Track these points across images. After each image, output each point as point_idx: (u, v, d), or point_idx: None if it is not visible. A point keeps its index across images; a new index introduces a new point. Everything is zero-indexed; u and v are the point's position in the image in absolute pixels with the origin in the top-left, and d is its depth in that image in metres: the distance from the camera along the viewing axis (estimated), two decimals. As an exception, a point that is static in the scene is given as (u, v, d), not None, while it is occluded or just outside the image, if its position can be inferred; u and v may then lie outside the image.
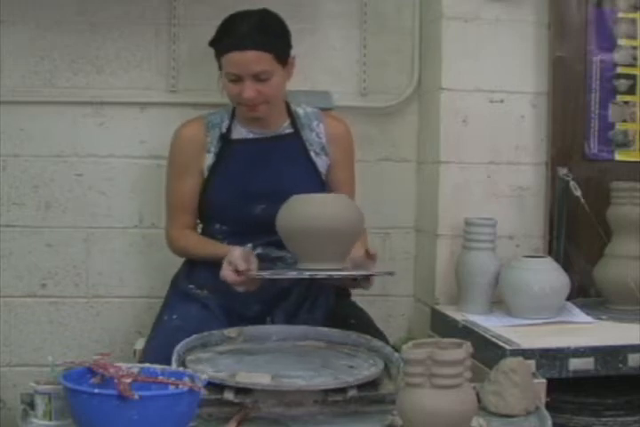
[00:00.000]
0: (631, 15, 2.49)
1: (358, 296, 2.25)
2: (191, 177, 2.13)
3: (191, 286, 2.12)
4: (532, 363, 1.90)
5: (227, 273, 1.89)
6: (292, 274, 1.86)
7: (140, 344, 2.18)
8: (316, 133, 2.16)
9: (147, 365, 1.54)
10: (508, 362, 1.71)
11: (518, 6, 2.45)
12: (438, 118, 2.45)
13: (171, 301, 2.14)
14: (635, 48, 2.49)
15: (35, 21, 2.46)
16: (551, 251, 2.45)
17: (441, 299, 2.46)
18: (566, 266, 2.32)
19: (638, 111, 2.51)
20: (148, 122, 2.52)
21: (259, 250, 2.09)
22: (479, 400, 1.60)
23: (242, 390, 1.61)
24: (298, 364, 1.76)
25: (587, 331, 2.14)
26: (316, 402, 1.64)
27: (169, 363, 1.65)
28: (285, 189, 2.04)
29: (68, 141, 2.51)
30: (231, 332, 1.92)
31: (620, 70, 2.49)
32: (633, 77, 2.50)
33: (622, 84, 2.49)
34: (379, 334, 2.04)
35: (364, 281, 1.94)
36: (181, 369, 1.56)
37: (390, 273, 1.89)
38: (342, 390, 1.63)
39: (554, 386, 1.88)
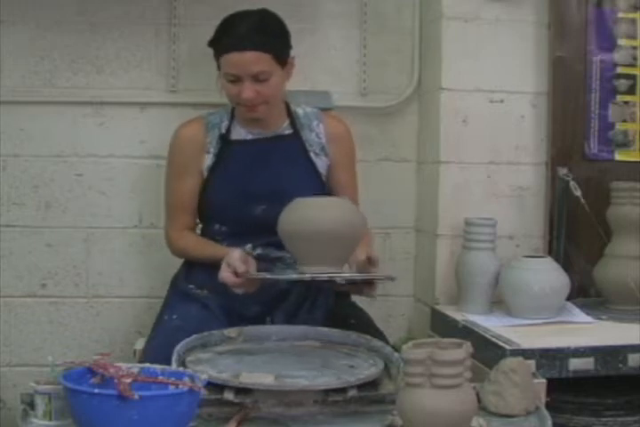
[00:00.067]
0: (631, 15, 2.49)
1: (358, 296, 2.25)
2: (190, 177, 2.12)
3: (191, 287, 2.12)
4: (532, 363, 1.90)
5: (225, 275, 1.88)
6: (293, 276, 1.84)
7: (140, 344, 2.18)
8: (316, 134, 2.16)
9: (147, 365, 1.54)
10: (508, 362, 1.71)
11: (518, 6, 2.45)
12: (438, 118, 2.45)
13: (171, 301, 2.14)
14: (635, 48, 2.49)
15: (35, 21, 2.46)
16: (551, 251, 2.45)
17: (441, 299, 2.46)
18: (566, 266, 2.32)
19: (638, 111, 2.51)
20: (148, 122, 2.52)
21: (258, 250, 2.09)
22: (479, 400, 1.60)
23: (242, 390, 1.61)
24: (298, 364, 1.76)
25: (587, 331, 2.14)
26: (316, 402, 1.63)
27: (169, 363, 1.65)
28: (285, 190, 2.04)
29: (68, 141, 2.51)
30: (231, 332, 1.92)
31: (619, 70, 2.49)
32: (633, 77, 2.50)
33: (622, 84, 2.50)
34: (379, 334, 2.04)
35: (367, 288, 1.91)
36: (181, 369, 1.56)
37: (391, 278, 1.86)
38: (342, 390, 1.63)
39: (554, 386, 1.88)
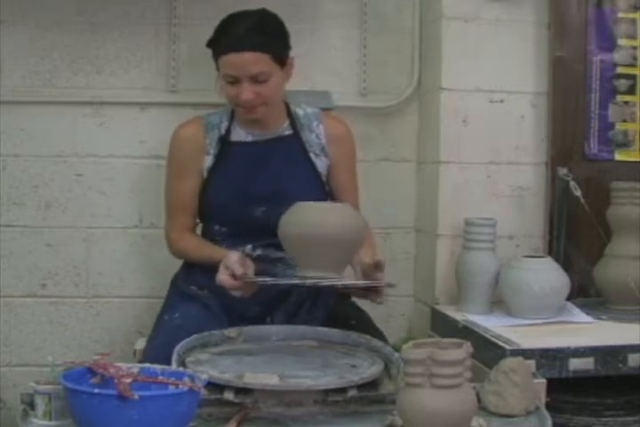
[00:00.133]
0: (631, 15, 2.49)
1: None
2: (190, 178, 2.12)
3: (192, 287, 2.12)
4: (532, 363, 1.90)
5: (223, 277, 1.86)
6: (294, 281, 1.83)
7: (140, 344, 2.18)
8: (316, 134, 2.15)
9: (147, 365, 1.54)
10: (508, 362, 1.71)
11: (518, 6, 2.45)
12: (438, 118, 2.45)
13: (172, 300, 2.14)
14: (635, 48, 2.49)
15: (35, 21, 2.46)
16: (551, 251, 2.45)
17: (441, 299, 2.46)
18: (566, 266, 2.33)
19: (638, 111, 2.51)
20: (148, 122, 2.52)
21: (258, 251, 2.09)
22: (479, 400, 1.60)
23: (242, 390, 1.61)
24: (299, 364, 1.76)
25: (587, 331, 2.14)
26: (316, 402, 1.63)
27: (170, 362, 1.65)
28: (285, 191, 2.04)
29: (68, 141, 2.51)
30: (231, 332, 1.92)
31: (620, 70, 2.49)
32: (633, 77, 2.50)
33: (622, 84, 2.50)
34: (379, 335, 2.04)
35: (374, 295, 1.89)
36: (181, 369, 1.56)
37: (391, 285, 1.85)
38: (342, 390, 1.63)
39: (554, 386, 1.88)
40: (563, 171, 2.43)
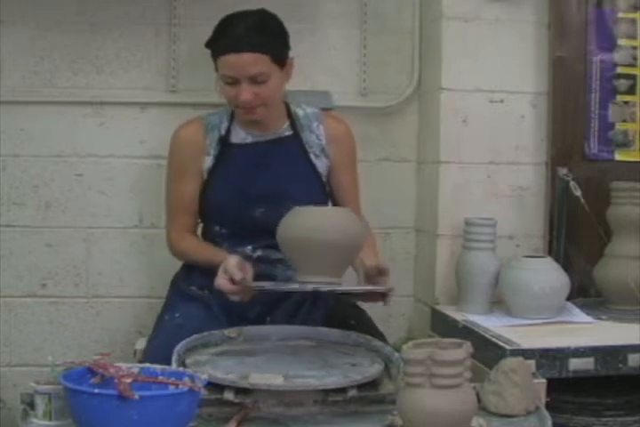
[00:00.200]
0: (631, 15, 2.49)
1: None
2: (191, 179, 2.11)
3: (192, 288, 2.11)
4: (532, 363, 1.90)
5: (222, 282, 1.85)
6: (295, 287, 1.82)
7: (140, 344, 2.18)
8: (316, 135, 2.14)
9: (147, 365, 1.54)
10: (508, 362, 1.71)
11: (518, 6, 2.45)
12: (438, 118, 2.45)
13: (172, 300, 2.14)
14: (635, 48, 2.49)
15: (35, 21, 2.46)
16: (551, 251, 2.45)
17: (441, 299, 2.46)
18: (566, 266, 2.33)
19: (638, 111, 2.51)
20: (148, 122, 2.52)
21: (258, 252, 2.08)
22: (479, 400, 1.60)
23: (242, 390, 1.61)
24: (299, 364, 1.76)
25: (587, 331, 2.14)
26: (316, 402, 1.64)
27: (170, 362, 1.65)
28: (285, 192, 2.04)
29: (68, 141, 2.51)
30: (231, 332, 1.92)
31: (620, 70, 2.49)
32: (633, 77, 2.50)
33: (622, 84, 2.50)
34: (378, 335, 2.04)
35: (376, 298, 1.88)
36: (181, 369, 1.56)
37: (390, 290, 1.84)
38: (342, 390, 1.63)
39: (554, 386, 1.88)
40: (563, 171, 2.43)
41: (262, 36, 1.97)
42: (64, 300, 2.54)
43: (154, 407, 1.36)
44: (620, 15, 2.49)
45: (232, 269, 1.84)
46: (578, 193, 2.38)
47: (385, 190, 2.61)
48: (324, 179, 2.15)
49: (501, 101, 2.46)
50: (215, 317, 2.03)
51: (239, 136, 2.12)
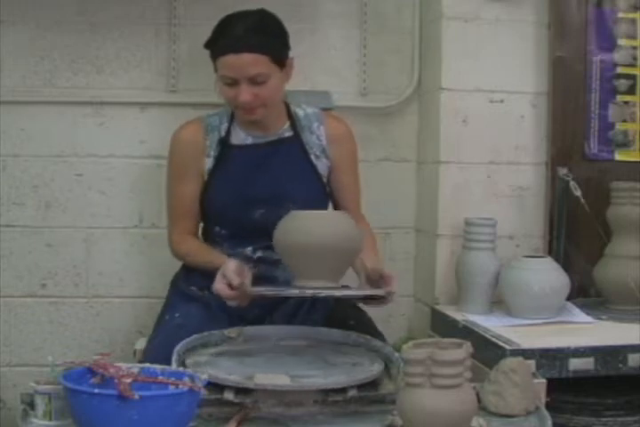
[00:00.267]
0: (631, 15, 2.49)
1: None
2: (191, 180, 2.09)
3: (192, 288, 2.11)
4: (532, 363, 1.90)
5: (219, 286, 1.83)
6: (294, 292, 1.80)
7: (140, 344, 2.18)
8: (317, 136, 2.14)
9: (147, 365, 1.54)
10: (508, 362, 1.71)
11: (518, 6, 2.45)
12: (438, 118, 2.45)
13: (172, 300, 2.14)
14: (635, 48, 2.49)
15: (35, 21, 2.46)
16: (551, 251, 2.45)
17: (441, 299, 2.46)
18: (566, 266, 2.33)
19: (638, 111, 2.51)
20: (147, 122, 2.52)
21: (259, 253, 2.08)
22: (479, 400, 1.60)
23: (242, 390, 1.61)
24: (301, 364, 1.76)
25: (587, 331, 2.14)
26: (316, 402, 1.63)
27: (170, 362, 1.65)
28: (285, 194, 2.04)
29: (68, 141, 2.51)
30: (231, 332, 1.92)
31: (620, 70, 2.50)
32: (633, 77, 2.50)
33: (622, 84, 2.50)
34: (378, 335, 2.03)
35: (377, 302, 1.87)
36: (181, 369, 1.56)
37: (390, 293, 1.83)
38: (342, 390, 1.63)
39: (554, 386, 1.88)
40: (563, 171, 2.43)
41: (262, 37, 1.96)
42: (64, 300, 2.54)
43: (154, 407, 1.36)
44: (620, 15, 2.49)
45: (230, 275, 1.82)
46: (578, 193, 2.38)
47: (385, 190, 2.61)
48: (325, 180, 2.15)
49: (501, 101, 2.46)
50: (215, 317, 2.03)
51: (239, 137, 2.12)
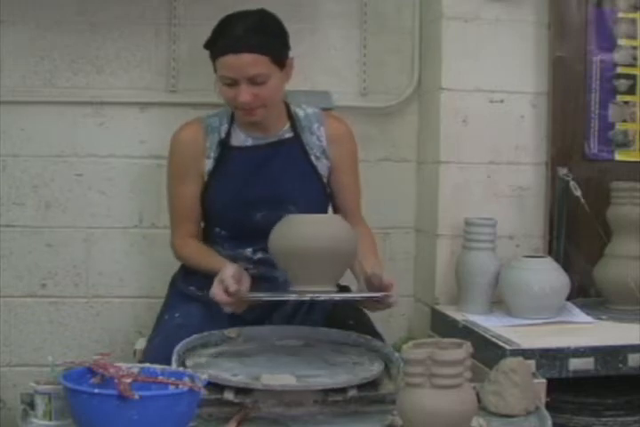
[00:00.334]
0: (631, 15, 2.50)
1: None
2: (191, 181, 2.08)
3: (191, 288, 2.11)
4: (532, 363, 1.90)
5: (217, 292, 1.81)
6: (291, 297, 1.80)
7: (140, 344, 2.18)
8: (317, 137, 2.13)
9: (147, 365, 1.54)
10: (508, 362, 1.71)
11: (518, 6, 2.45)
12: (438, 118, 2.45)
13: (172, 300, 2.14)
14: (635, 48, 2.49)
15: (35, 21, 2.46)
16: (551, 251, 2.45)
17: (441, 299, 2.46)
18: (566, 266, 2.33)
19: (638, 111, 2.51)
20: (147, 122, 2.52)
21: (259, 255, 2.08)
22: (479, 400, 1.60)
23: (242, 390, 1.61)
24: (302, 364, 1.75)
25: (587, 331, 2.14)
26: (316, 402, 1.63)
27: (170, 362, 1.65)
28: (285, 195, 2.03)
29: (68, 141, 2.51)
30: (231, 332, 1.92)
31: (620, 70, 2.50)
32: (633, 77, 2.50)
33: (622, 84, 2.50)
34: (377, 336, 2.03)
35: (377, 305, 1.86)
36: (181, 369, 1.56)
37: (389, 296, 1.83)
38: (342, 390, 1.63)
39: (554, 386, 1.88)
40: (563, 171, 2.43)
41: (261, 37, 1.95)
42: (64, 300, 2.54)
43: (154, 407, 1.36)
44: (620, 15, 2.49)
45: (228, 280, 1.80)
46: (578, 193, 2.38)
47: (385, 190, 2.61)
48: (325, 180, 2.14)
49: (501, 101, 2.46)
50: (215, 317, 2.02)
51: (239, 139, 2.11)
